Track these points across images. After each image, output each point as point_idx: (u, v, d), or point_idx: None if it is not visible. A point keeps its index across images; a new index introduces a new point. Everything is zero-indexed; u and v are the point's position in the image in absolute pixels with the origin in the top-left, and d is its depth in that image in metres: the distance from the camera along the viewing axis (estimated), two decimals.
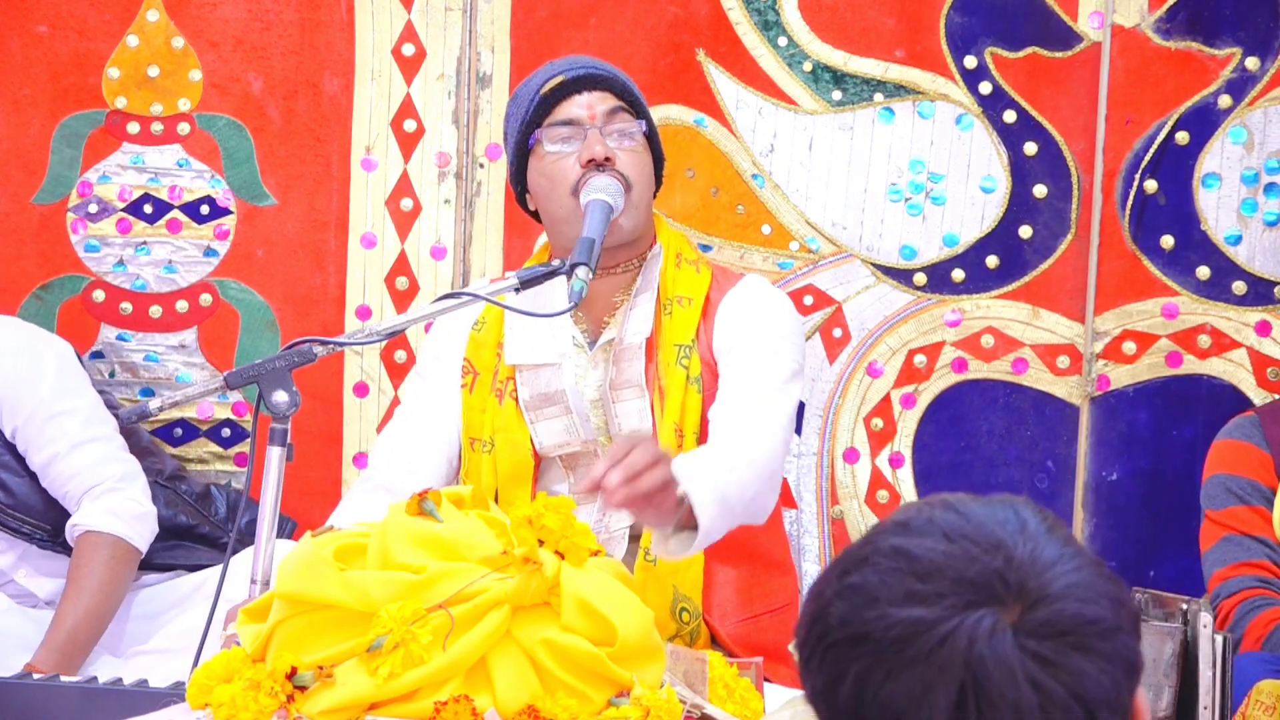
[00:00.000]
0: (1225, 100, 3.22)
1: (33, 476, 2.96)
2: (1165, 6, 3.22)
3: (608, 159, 2.48)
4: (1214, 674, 2.20)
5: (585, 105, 2.53)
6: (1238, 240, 3.24)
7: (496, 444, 2.53)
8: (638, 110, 2.57)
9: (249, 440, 3.23)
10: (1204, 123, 3.23)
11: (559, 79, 2.54)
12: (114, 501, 2.91)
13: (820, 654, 1.12)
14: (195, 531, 3.14)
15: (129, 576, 2.94)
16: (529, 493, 2.51)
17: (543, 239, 2.79)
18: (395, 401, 3.31)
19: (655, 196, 2.63)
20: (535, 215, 2.64)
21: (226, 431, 3.44)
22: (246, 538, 3.15)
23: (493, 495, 2.52)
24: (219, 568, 3.02)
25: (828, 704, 1.12)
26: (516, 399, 2.53)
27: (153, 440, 3.28)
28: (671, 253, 2.58)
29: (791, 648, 1.16)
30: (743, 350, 2.49)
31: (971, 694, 1.07)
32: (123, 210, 3.43)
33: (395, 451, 2.57)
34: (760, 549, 2.57)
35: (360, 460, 3.34)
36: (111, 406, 3.14)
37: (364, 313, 3.39)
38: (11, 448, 2.96)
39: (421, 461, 2.55)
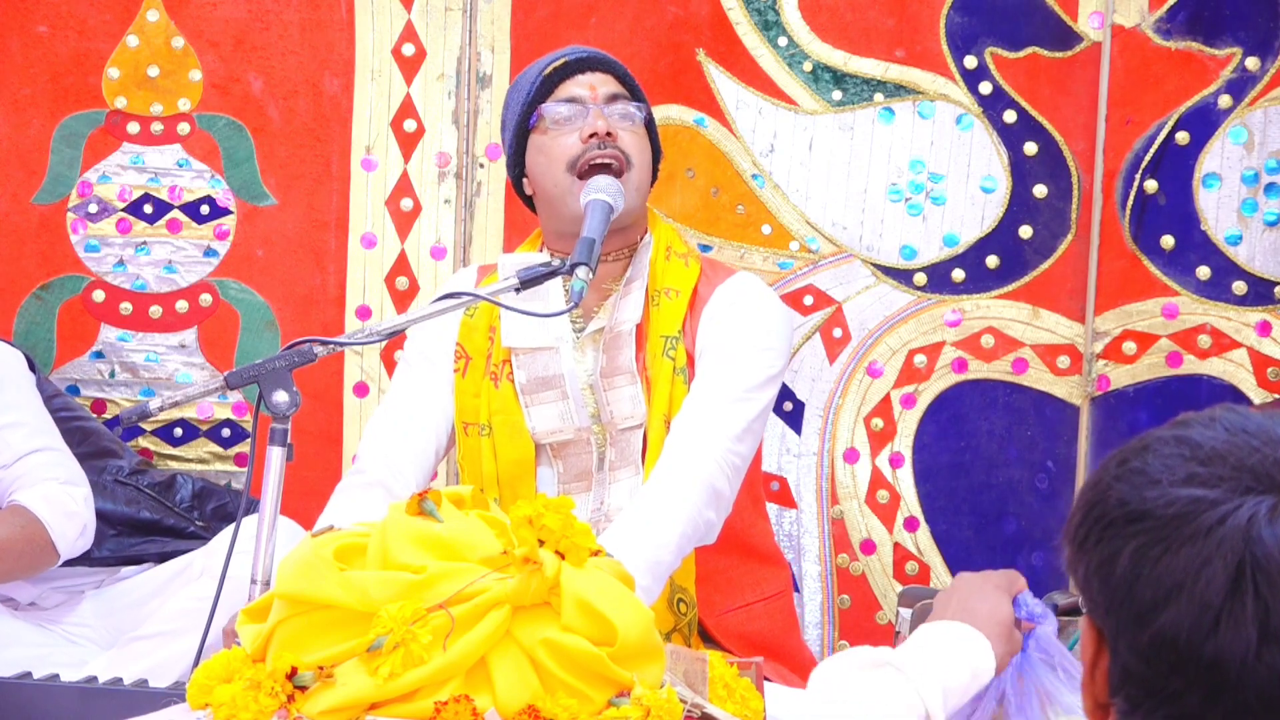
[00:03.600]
0: (1225, 100, 3.22)
1: None
2: (1165, 6, 3.22)
3: (609, 134, 2.49)
4: None
5: (588, 85, 2.54)
6: (1238, 240, 3.24)
7: (495, 427, 2.53)
8: (637, 98, 2.58)
9: (249, 440, 3.23)
10: (1204, 123, 3.23)
11: (562, 60, 2.56)
12: (50, 490, 2.87)
13: (1098, 533, 1.18)
14: (161, 524, 3.13)
15: (29, 560, 2.86)
16: (532, 475, 2.52)
17: None
18: None
19: (651, 188, 2.62)
20: (530, 203, 2.63)
21: (226, 431, 3.44)
22: (213, 525, 3.16)
23: (493, 480, 2.52)
24: (196, 553, 3.02)
25: (1101, 581, 1.17)
26: (514, 382, 2.54)
27: (113, 439, 3.25)
28: (662, 245, 2.57)
29: (1061, 541, 1.23)
30: (718, 352, 2.49)
31: (1249, 570, 1.11)
32: (123, 210, 3.43)
33: (382, 444, 2.55)
34: (749, 540, 2.58)
35: None
36: (68, 410, 3.12)
37: (364, 313, 3.39)
38: None
39: (408, 455, 2.54)
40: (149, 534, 3.12)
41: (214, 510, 3.21)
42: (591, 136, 2.48)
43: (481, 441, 2.54)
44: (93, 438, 3.13)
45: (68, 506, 2.88)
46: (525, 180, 2.60)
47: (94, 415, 3.36)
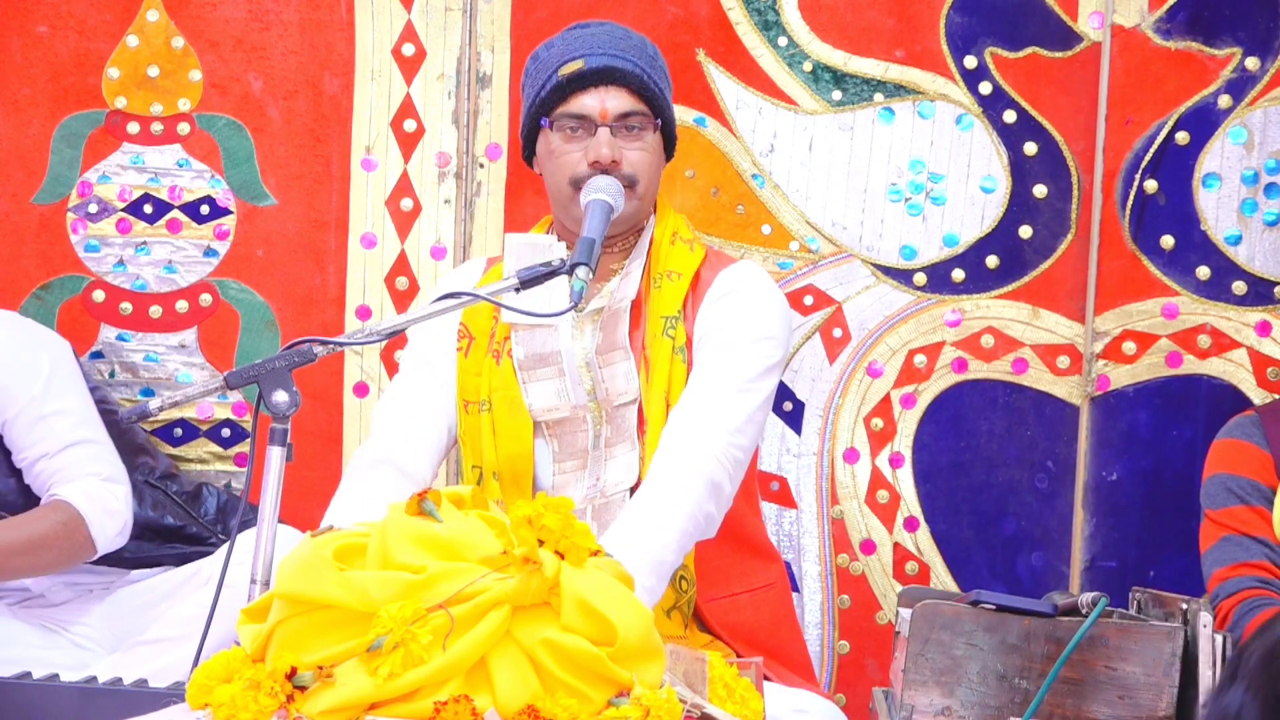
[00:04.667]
0: (1225, 100, 3.22)
1: (17, 476, 2.92)
2: (1165, 6, 3.22)
3: (614, 161, 2.50)
4: (1214, 674, 2.20)
5: (599, 101, 2.53)
6: (1238, 240, 3.24)
7: (494, 404, 2.55)
8: (654, 106, 2.58)
9: (249, 440, 3.23)
10: (1204, 123, 3.23)
11: (578, 65, 2.54)
12: (92, 486, 2.87)
13: None
14: (183, 532, 3.12)
15: (68, 555, 2.86)
16: (530, 452, 2.53)
17: None
18: None
19: (657, 186, 2.64)
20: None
21: (226, 431, 3.44)
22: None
23: (493, 456, 2.54)
24: (204, 560, 3.01)
25: None
26: (514, 358, 2.55)
27: (148, 439, 3.27)
28: (668, 230, 2.61)
29: None
30: (716, 340, 2.51)
31: None
32: (123, 210, 3.43)
33: (395, 424, 2.56)
34: (739, 531, 2.59)
35: None
36: (105, 403, 3.11)
37: (364, 313, 3.39)
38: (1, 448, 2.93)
39: (420, 432, 2.55)
40: (170, 540, 3.11)
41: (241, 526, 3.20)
42: (595, 163, 2.50)
43: (481, 418, 2.55)
44: (128, 434, 3.13)
45: (109, 504, 2.88)
46: (535, 160, 2.63)
47: None
